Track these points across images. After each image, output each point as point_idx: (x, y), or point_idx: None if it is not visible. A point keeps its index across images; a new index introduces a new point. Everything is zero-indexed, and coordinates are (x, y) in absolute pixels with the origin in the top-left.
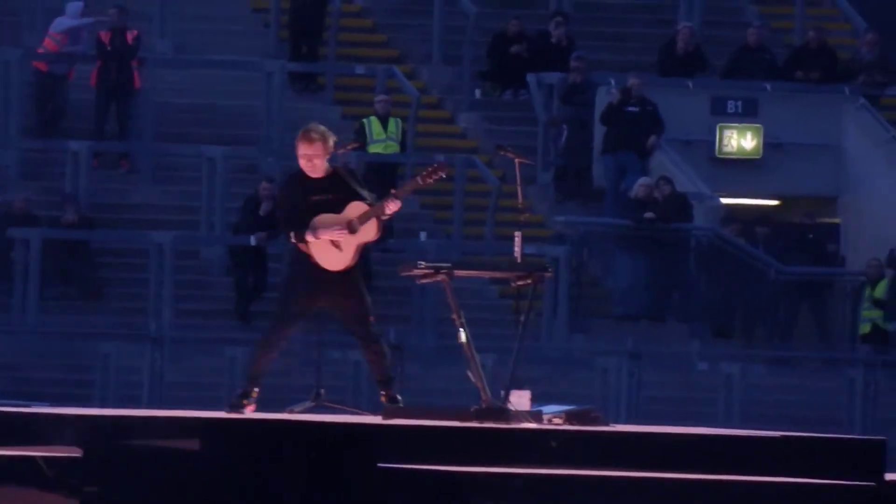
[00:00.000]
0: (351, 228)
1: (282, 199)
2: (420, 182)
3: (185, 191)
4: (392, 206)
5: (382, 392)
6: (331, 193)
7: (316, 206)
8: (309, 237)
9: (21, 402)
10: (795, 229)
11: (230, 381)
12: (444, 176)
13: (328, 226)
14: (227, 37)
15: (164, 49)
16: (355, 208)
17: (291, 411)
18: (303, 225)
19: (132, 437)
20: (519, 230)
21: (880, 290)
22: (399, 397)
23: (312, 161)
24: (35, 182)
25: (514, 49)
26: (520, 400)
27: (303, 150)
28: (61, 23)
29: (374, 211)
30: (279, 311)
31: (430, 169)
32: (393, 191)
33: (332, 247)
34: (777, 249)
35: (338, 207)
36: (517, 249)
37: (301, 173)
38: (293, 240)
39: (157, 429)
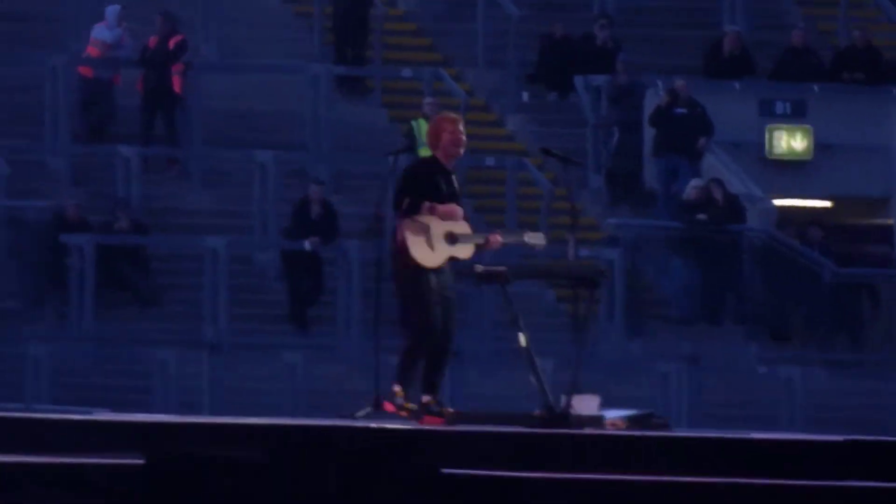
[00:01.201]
0: (452, 238)
1: (413, 171)
2: (525, 241)
3: (235, 195)
4: (494, 244)
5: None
6: (453, 189)
7: (443, 197)
8: (425, 210)
9: (81, 409)
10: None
11: (288, 387)
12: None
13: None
14: (271, 41)
15: (209, 54)
16: (462, 226)
17: (353, 417)
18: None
19: (194, 444)
20: (572, 233)
21: None
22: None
23: (462, 140)
24: (86, 187)
25: (562, 46)
26: (588, 404)
27: (454, 126)
28: (100, 31)
29: (477, 238)
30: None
31: (538, 237)
32: (500, 231)
33: (426, 241)
34: (833, 251)
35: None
36: (571, 252)
37: (435, 161)
38: (405, 207)
39: (219, 435)
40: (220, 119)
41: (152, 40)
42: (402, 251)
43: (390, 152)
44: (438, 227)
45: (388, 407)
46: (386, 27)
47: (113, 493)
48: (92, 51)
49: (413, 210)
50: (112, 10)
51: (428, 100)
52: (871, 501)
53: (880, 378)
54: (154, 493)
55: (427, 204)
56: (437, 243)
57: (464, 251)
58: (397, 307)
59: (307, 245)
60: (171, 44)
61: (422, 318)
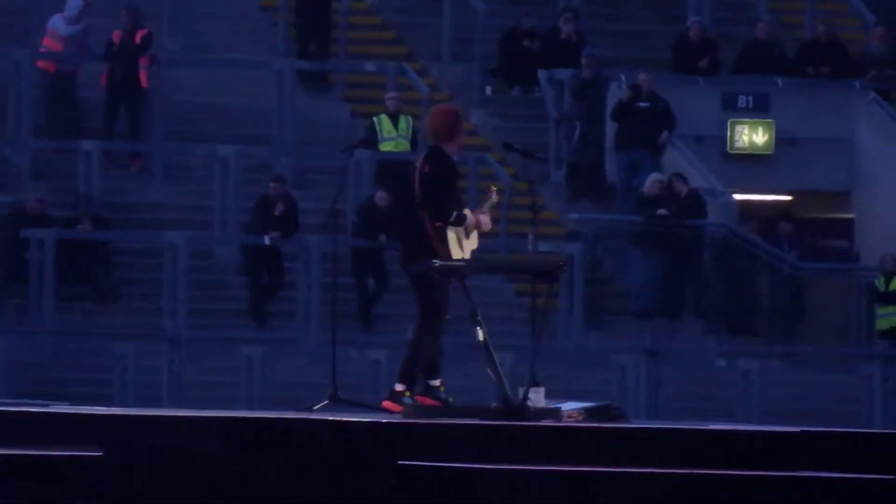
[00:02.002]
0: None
1: (448, 175)
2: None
3: (197, 190)
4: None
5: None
6: None
7: (456, 192)
8: (471, 221)
9: (39, 403)
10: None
11: (246, 381)
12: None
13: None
14: (235, 36)
15: (174, 48)
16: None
17: (310, 409)
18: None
19: (152, 437)
20: (533, 228)
21: (895, 285)
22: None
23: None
24: (47, 182)
25: (526, 43)
26: (534, 396)
27: (463, 128)
28: (57, 22)
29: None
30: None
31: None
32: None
33: (458, 245)
34: (793, 245)
35: None
36: (531, 247)
37: (449, 155)
38: (452, 221)
39: (177, 428)
40: (183, 113)
41: (116, 34)
42: (438, 251)
43: (346, 147)
44: (467, 231)
45: (395, 408)
46: (351, 21)
47: (71, 485)
48: (49, 42)
49: (457, 216)
50: (74, 3)
51: (390, 94)
52: (825, 491)
53: (836, 370)
54: (111, 485)
55: (469, 214)
56: (464, 246)
57: (471, 246)
58: (420, 302)
59: (266, 240)
60: (138, 37)
61: (442, 317)
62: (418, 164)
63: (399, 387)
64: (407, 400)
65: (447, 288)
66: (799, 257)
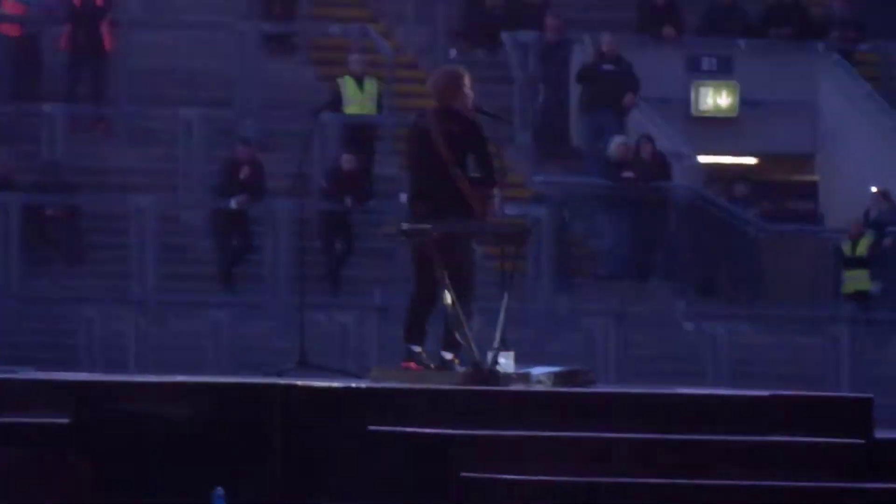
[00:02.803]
0: None
1: (476, 131)
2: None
3: (162, 153)
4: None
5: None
6: None
7: None
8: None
9: (5, 368)
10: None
11: (214, 344)
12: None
13: None
14: None
15: (136, 10)
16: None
17: (278, 374)
18: None
19: (119, 403)
20: (499, 191)
21: (862, 248)
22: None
23: None
24: (11, 147)
25: (489, 4)
26: (504, 361)
27: (466, 87)
28: None
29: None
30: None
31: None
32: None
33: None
34: (758, 207)
35: None
36: (498, 210)
37: (463, 113)
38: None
39: (144, 394)
40: (147, 76)
41: None
42: (478, 210)
43: (313, 110)
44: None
45: (414, 367)
46: None
47: (38, 452)
48: (10, 7)
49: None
50: None
51: (354, 57)
52: (794, 454)
53: (804, 333)
54: (79, 451)
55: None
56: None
57: None
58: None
59: (233, 203)
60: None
61: (469, 279)
62: (434, 125)
63: (447, 355)
64: (459, 368)
65: (471, 249)
66: (759, 218)
